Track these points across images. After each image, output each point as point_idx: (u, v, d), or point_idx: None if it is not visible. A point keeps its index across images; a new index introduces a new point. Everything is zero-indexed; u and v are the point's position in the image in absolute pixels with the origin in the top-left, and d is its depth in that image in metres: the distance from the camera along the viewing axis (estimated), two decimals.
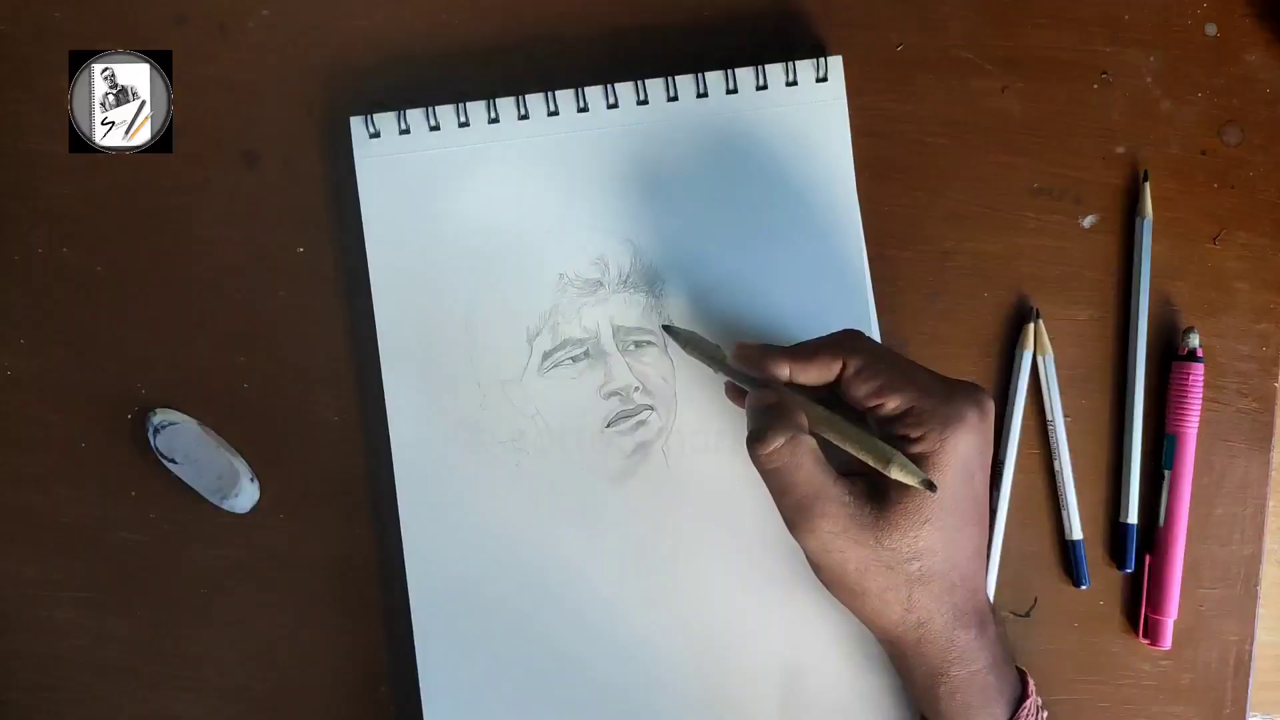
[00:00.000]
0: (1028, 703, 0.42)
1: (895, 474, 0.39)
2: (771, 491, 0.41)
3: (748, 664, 0.48)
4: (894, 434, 0.40)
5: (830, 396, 0.43)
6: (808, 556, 0.42)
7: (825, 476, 0.40)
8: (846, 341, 0.42)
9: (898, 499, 0.40)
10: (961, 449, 0.40)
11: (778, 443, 0.40)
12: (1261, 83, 0.51)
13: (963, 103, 0.50)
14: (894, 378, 0.40)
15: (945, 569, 0.40)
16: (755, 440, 0.40)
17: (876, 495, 0.40)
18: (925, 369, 0.42)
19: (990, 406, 0.41)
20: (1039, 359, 0.50)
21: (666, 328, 0.48)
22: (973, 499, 0.41)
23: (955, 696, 0.42)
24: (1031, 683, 0.43)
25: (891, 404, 0.40)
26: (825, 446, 0.41)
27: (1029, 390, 0.50)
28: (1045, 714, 0.44)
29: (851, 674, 0.48)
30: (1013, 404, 0.50)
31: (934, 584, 0.40)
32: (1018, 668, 0.44)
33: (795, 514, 0.41)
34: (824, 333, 0.43)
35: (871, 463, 0.40)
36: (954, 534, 0.40)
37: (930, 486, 0.39)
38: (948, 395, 0.40)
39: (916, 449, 0.40)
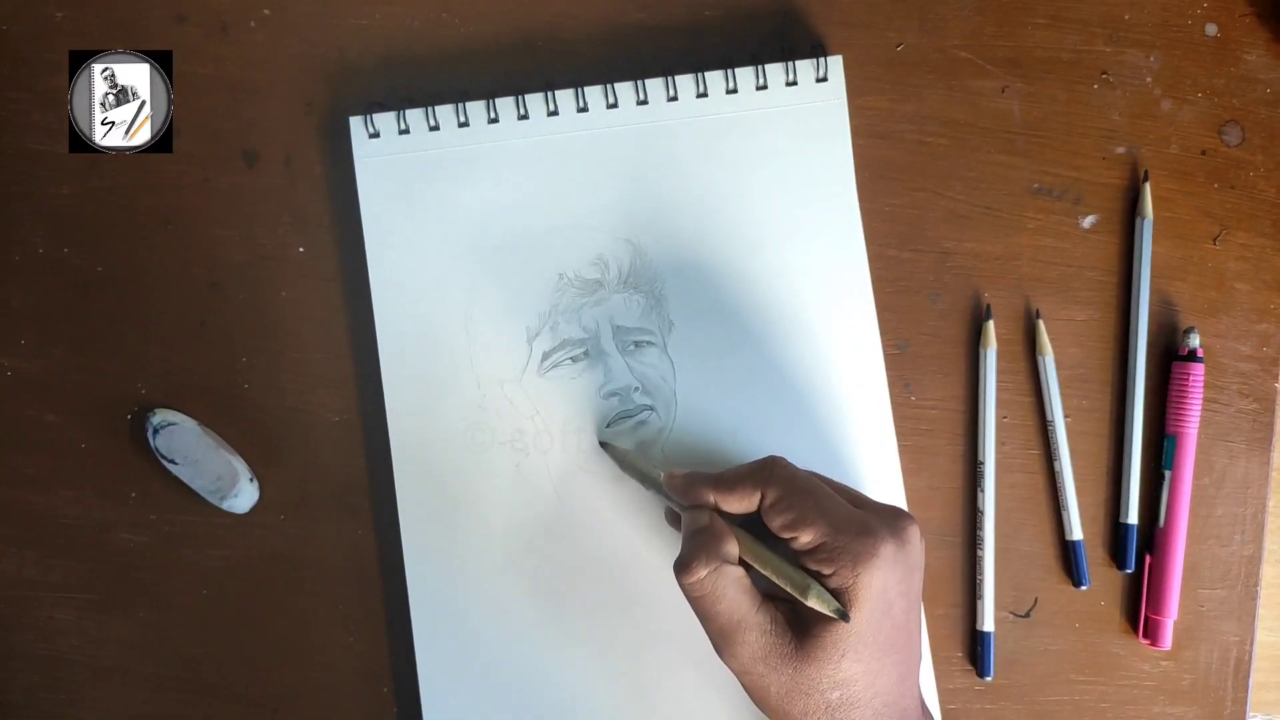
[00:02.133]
0: None
1: (812, 602, 0.39)
2: (697, 615, 0.42)
3: None
4: (810, 567, 0.41)
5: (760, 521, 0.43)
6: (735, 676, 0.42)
7: (748, 605, 0.41)
8: (764, 472, 0.42)
9: (817, 631, 0.40)
10: (876, 584, 0.39)
11: (701, 573, 0.41)
12: (1262, 83, 0.50)
13: (963, 103, 0.50)
14: (806, 512, 0.40)
15: (867, 697, 0.40)
16: (680, 568, 0.41)
17: (798, 624, 0.41)
18: (845, 500, 0.42)
19: (912, 534, 0.41)
20: (1039, 359, 0.50)
21: (604, 444, 0.49)
22: (893, 628, 0.41)
23: None
24: None
25: (805, 538, 0.40)
26: (754, 570, 0.42)
27: (1030, 390, 0.50)
28: None
29: None
30: (983, 404, 0.50)
31: (855, 711, 0.40)
32: None
33: (717, 639, 0.41)
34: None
35: (789, 590, 0.40)
36: (874, 663, 0.40)
37: (844, 616, 0.39)
38: (862, 530, 0.40)
39: (830, 584, 0.40)
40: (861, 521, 0.41)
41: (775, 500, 0.41)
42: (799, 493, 0.41)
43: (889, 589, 0.40)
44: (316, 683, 0.51)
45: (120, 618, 0.51)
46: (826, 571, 0.40)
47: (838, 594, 0.40)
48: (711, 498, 0.43)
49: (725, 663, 0.41)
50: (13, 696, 0.51)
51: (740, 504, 0.42)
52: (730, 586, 0.41)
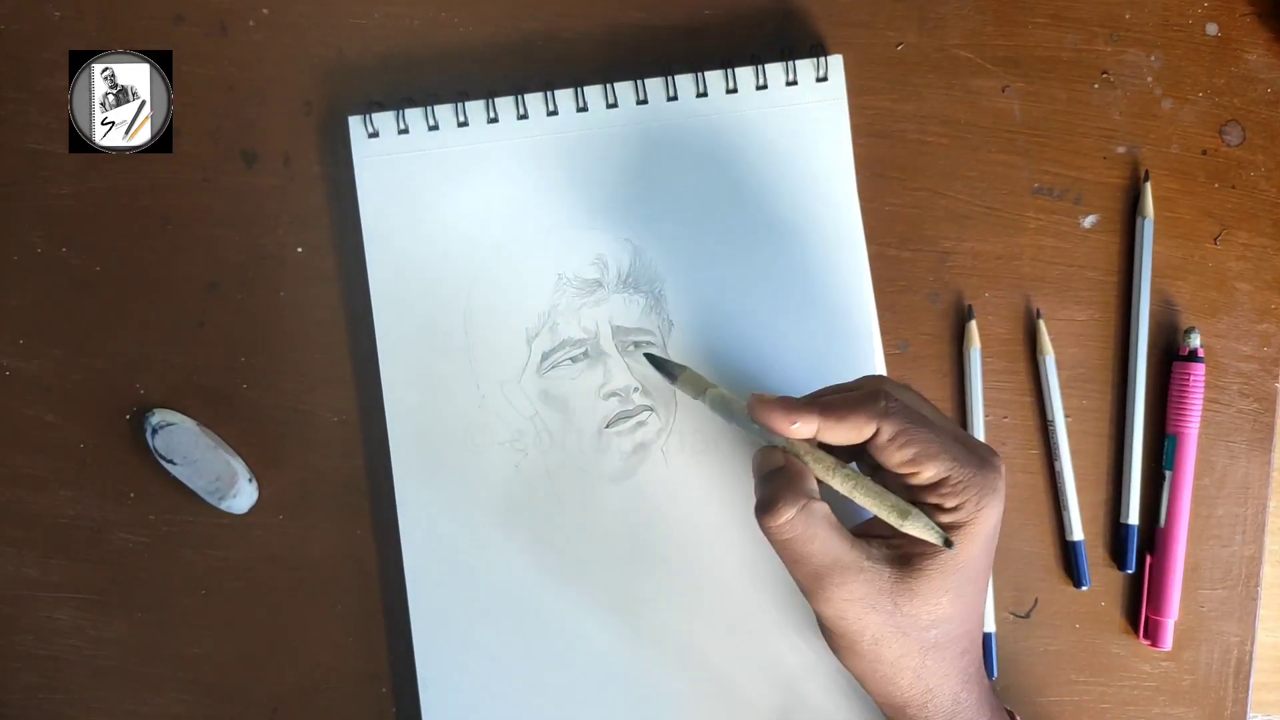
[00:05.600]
0: None
1: (910, 529, 0.37)
2: (784, 560, 0.39)
3: (747, 663, 0.48)
4: (925, 501, 0.39)
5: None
6: (821, 622, 0.40)
7: (841, 543, 0.38)
8: (877, 404, 0.38)
9: (921, 564, 0.38)
10: (993, 519, 0.39)
11: (789, 514, 0.38)
12: (1262, 82, 0.50)
13: (963, 103, 0.50)
14: (929, 445, 0.38)
15: (959, 635, 0.39)
16: (764, 511, 0.38)
17: (896, 560, 0.39)
18: (952, 431, 0.40)
19: (1003, 467, 0.40)
20: (1039, 359, 0.50)
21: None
22: (987, 565, 0.40)
23: None
24: None
25: (928, 473, 0.38)
26: (833, 504, 0.39)
27: (1031, 390, 0.50)
28: None
29: (850, 679, 0.48)
30: (971, 405, 0.50)
31: (947, 650, 0.39)
32: (1007, 710, 0.44)
33: (811, 583, 0.39)
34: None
35: (886, 518, 0.38)
36: (970, 599, 0.39)
37: (948, 544, 0.37)
38: (982, 464, 0.39)
39: (949, 518, 0.38)
40: (979, 455, 0.39)
41: (894, 435, 0.38)
42: (917, 424, 0.38)
43: (996, 527, 0.39)
44: (316, 683, 0.51)
45: (120, 618, 0.51)
46: (949, 504, 0.38)
47: (953, 528, 0.38)
48: (815, 429, 0.39)
49: (817, 609, 0.39)
50: (13, 696, 0.51)
51: (849, 436, 0.39)
52: (821, 525, 0.38)
